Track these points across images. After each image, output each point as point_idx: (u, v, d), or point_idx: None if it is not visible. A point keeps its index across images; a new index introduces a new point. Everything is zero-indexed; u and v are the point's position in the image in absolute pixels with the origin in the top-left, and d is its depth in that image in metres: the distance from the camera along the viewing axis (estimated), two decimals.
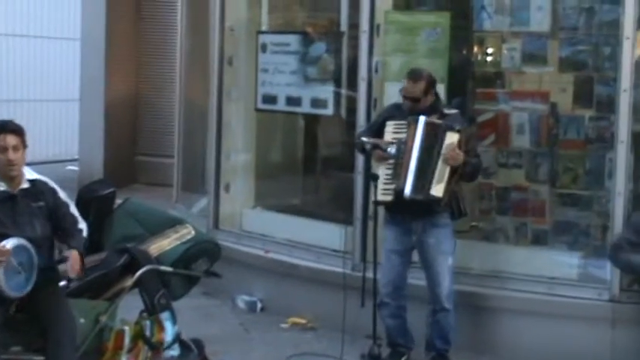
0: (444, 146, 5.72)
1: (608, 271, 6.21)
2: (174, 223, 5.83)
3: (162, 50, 12.20)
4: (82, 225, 5.22)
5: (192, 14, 9.20)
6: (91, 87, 12.07)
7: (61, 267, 4.93)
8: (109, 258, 5.45)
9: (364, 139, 6.02)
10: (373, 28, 6.85)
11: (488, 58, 7.12)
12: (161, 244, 5.64)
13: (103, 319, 5.22)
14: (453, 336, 6.03)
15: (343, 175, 7.40)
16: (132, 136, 12.69)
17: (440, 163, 5.72)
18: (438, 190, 5.72)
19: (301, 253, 7.31)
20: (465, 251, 6.38)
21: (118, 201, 5.93)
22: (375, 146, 5.89)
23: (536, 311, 6.30)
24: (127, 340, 5.31)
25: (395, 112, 6.02)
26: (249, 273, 7.51)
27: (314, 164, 8.53)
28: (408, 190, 5.73)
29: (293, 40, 7.66)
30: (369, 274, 6.02)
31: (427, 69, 6.08)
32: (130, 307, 5.53)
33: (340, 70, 7.46)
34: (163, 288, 5.51)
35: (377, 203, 6.01)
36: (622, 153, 6.12)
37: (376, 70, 6.86)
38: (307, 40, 7.63)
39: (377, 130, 6.03)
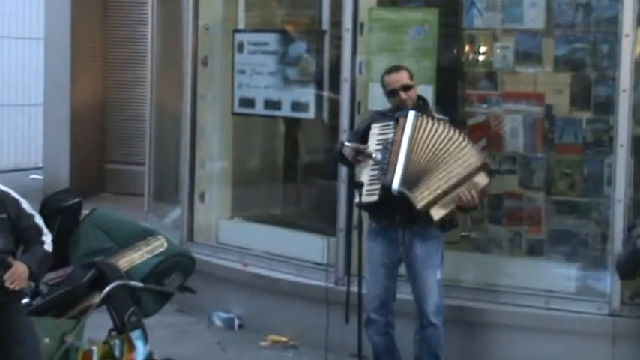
0: (473, 183, 5.75)
1: (608, 283, 6.23)
2: (145, 234, 5.83)
3: (132, 50, 12.19)
4: (47, 237, 5.20)
5: (164, 12, 9.20)
6: (55, 90, 12.03)
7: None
8: (75, 273, 5.44)
9: (346, 143, 6.00)
10: (357, 26, 6.87)
11: (479, 58, 7.14)
12: (131, 258, 5.64)
13: (69, 338, 5.20)
14: (442, 353, 6.02)
15: (326, 183, 7.41)
16: (100, 143, 12.66)
17: (455, 190, 5.71)
18: (438, 212, 5.70)
19: (281, 266, 7.31)
20: (456, 263, 6.39)
21: (85, 212, 5.92)
22: (358, 152, 5.87)
23: (531, 326, 6.31)
24: None
25: (379, 117, 6.02)
26: (226, 288, 7.50)
27: (295, 172, 8.53)
28: (396, 184, 5.65)
29: (272, 40, 7.67)
30: (354, 288, 6.02)
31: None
32: (98, 326, 5.52)
33: (322, 71, 7.48)
34: (134, 304, 5.50)
35: (361, 206, 5.97)
36: (622, 157, 6.15)
37: (360, 71, 6.88)
38: (287, 39, 7.64)
39: (361, 138, 6.00)
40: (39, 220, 5.24)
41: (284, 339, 7.01)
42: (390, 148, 5.76)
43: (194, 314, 7.55)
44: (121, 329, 5.44)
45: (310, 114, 7.52)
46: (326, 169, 7.55)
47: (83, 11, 12.09)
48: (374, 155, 5.78)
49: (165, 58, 9.18)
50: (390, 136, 5.80)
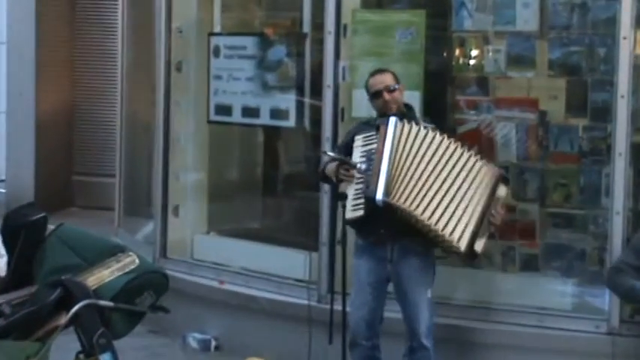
0: (496, 200, 5.76)
1: (606, 300, 6.25)
2: (115, 251, 5.77)
3: (101, 55, 12.18)
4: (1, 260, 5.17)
5: (135, 14, 9.19)
6: (19, 98, 12.00)
7: None
8: (39, 292, 5.39)
9: (328, 152, 6.00)
10: (340, 29, 6.89)
11: (470, 62, 7.16)
12: (100, 276, 5.59)
13: None
14: None
15: (307, 194, 7.41)
16: (67, 153, 12.64)
17: (485, 216, 5.73)
18: (480, 245, 5.74)
19: (261, 283, 7.30)
20: (446, 279, 6.39)
21: (51, 227, 5.89)
22: (342, 163, 5.85)
23: (526, 346, 6.32)
24: None
25: (363, 128, 6.02)
26: (202, 307, 7.49)
27: (274, 183, 8.54)
28: (379, 194, 5.59)
29: (249, 43, 7.67)
30: (338, 306, 6.01)
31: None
32: (64, 349, 5.47)
33: (303, 77, 7.49)
34: (103, 325, 5.45)
35: (347, 222, 5.95)
36: (620, 167, 6.17)
37: (343, 77, 6.89)
38: (266, 42, 7.65)
39: (346, 151, 5.99)
40: None
41: None
42: (374, 158, 5.75)
43: (167, 335, 7.53)
44: (90, 352, 5.39)
45: (291, 122, 7.52)
46: (308, 180, 7.55)
47: (49, 13, 12.07)
48: (358, 166, 5.77)
49: (136, 64, 9.17)
50: (374, 145, 5.79)
